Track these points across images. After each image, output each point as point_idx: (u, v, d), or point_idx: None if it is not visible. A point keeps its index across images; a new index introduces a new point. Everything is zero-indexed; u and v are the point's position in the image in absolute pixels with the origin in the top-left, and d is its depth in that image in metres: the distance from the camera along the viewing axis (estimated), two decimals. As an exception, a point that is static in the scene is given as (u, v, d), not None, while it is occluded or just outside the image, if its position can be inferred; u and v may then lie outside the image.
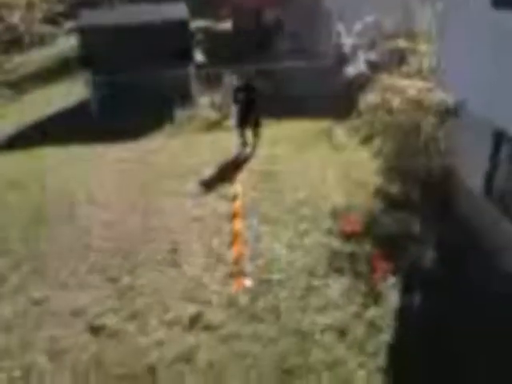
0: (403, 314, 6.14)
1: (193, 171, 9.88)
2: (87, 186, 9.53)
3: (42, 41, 20.94)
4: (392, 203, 8.40)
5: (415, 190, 8.58)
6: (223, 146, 11.18)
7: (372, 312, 6.17)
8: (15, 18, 19.19)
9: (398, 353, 5.63)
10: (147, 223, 8.19)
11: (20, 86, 16.11)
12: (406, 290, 6.47)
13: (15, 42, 19.21)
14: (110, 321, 6.16)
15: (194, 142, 11.56)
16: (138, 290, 6.68)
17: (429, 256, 7.05)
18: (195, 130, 12.50)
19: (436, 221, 7.78)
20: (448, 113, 9.01)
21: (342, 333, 5.88)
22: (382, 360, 5.53)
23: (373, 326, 5.97)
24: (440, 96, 9.03)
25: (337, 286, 6.59)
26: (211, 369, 5.48)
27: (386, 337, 5.82)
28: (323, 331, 5.90)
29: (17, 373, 5.48)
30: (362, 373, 5.41)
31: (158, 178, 9.75)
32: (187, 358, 5.62)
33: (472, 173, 7.76)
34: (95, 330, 6.02)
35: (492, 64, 6.50)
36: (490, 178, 7.31)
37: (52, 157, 11.09)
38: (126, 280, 6.87)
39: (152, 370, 5.47)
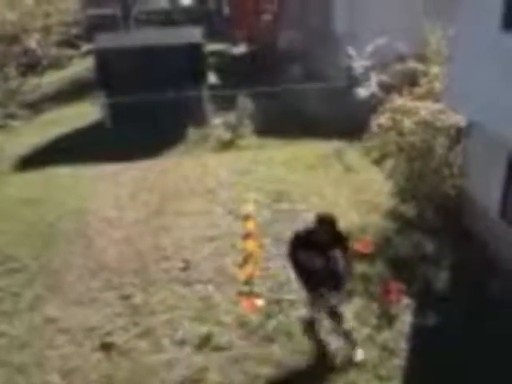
0: (417, 337, 6.05)
1: (206, 190, 9.95)
2: (100, 205, 9.64)
3: (58, 63, 21.46)
4: (405, 224, 8.36)
5: (429, 212, 8.54)
6: (237, 165, 11.26)
7: (385, 334, 6.09)
8: (32, 41, 19.70)
9: (411, 377, 5.53)
10: (160, 242, 8.23)
11: (36, 106, 16.46)
12: (420, 311, 6.38)
13: (33, 65, 19.69)
14: (121, 338, 6.15)
15: (208, 162, 11.66)
16: (149, 308, 6.68)
17: (443, 278, 6.97)
18: (209, 150, 12.64)
19: (450, 242, 7.71)
20: (460, 134, 9.00)
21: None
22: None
23: (386, 349, 5.88)
24: (452, 117, 9.04)
25: (349, 308, 6.52)
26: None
27: (399, 360, 5.73)
28: (335, 354, 5.83)
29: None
30: (375, 396, 5.32)
31: (172, 197, 9.83)
32: (197, 378, 5.58)
33: (486, 194, 7.72)
34: (106, 348, 6.02)
35: (503, 85, 6.52)
36: (505, 199, 7.25)
37: (66, 176, 11.25)
38: (138, 298, 6.89)
39: (162, 390, 5.44)
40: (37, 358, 5.94)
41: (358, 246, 7.71)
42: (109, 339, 6.15)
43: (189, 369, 5.68)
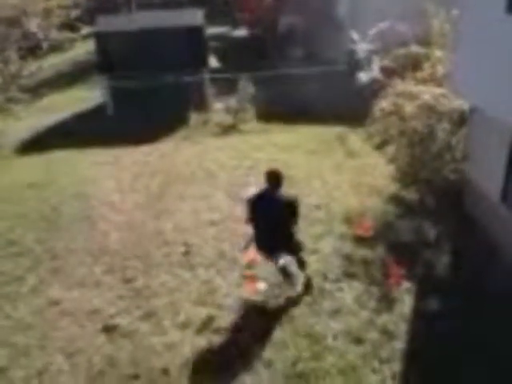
0: (417, 320, 6.11)
1: (207, 175, 9.96)
2: (103, 189, 9.66)
3: (59, 47, 21.29)
4: (406, 209, 8.39)
5: (430, 196, 8.55)
6: (238, 149, 11.25)
7: (385, 318, 6.15)
8: (33, 24, 19.51)
9: (411, 359, 5.60)
10: (161, 226, 8.27)
11: (37, 90, 16.38)
12: (421, 296, 6.44)
13: (33, 49, 19.53)
14: (124, 321, 6.22)
15: (209, 146, 11.65)
16: (151, 291, 6.74)
17: (444, 262, 7.01)
18: (210, 134, 12.62)
19: (451, 227, 7.74)
20: (462, 118, 8.97)
21: (354, 338, 5.87)
22: (395, 366, 5.51)
23: (386, 332, 5.94)
24: (454, 102, 9.00)
25: (350, 291, 6.58)
26: (223, 372, 5.50)
27: (399, 343, 5.79)
28: (336, 336, 5.90)
29: (33, 371, 5.56)
30: (375, 379, 5.39)
31: (173, 181, 9.85)
32: (199, 359, 5.65)
33: (488, 178, 7.72)
34: (109, 330, 6.09)
35: (507, 70, 6.47)
36: (506, 184, 7.25)
37: (68, 160, 11.27)
38: (140, 281, 6.95)
39: (165, 371, 5.51)
40: (40, 339, 6.02)
41: (358, 229, 7.76)
42: (112, 321, 6.22)
43: (191, 351, 5.74)
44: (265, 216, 5.97)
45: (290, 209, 6.01)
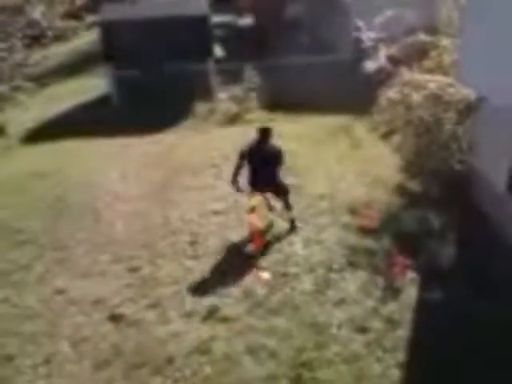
0: (421, 310, 6.12)
1: (213, 164, 9.96)
2: (108, 179, 9.69)
3: (63, 35, 21.24)
4: (411, 199, 8.36)
5: (435, 187, 8.51)
6: (243, 139, 11.18)
7: (390, 307, 6.16)
8: (37, 13, 19.46)
9: (416, 348, 5.62)
10: (167, 216, 8.29)
11: (42, 79, 16.38)
12: (425, 285, 6.44)
13: (37, 37, 19.50)
14: (130, 310, 6.27)
15: (215, 136, 11.63)
16: (157, 281, 6.78)
17: (448, 252, 7.01)
18: (215, 124, 12.58)
19: (456, 217, 7.72)
20: (469, 108, 8.90)
21: (359, 327, 5.89)
22: (399, 355, 5.53)
23: (390, 322, 5.96)
24: (461, 91, 8.92)
25: (354, 281, 6.59)
26: (227, 360, 5.54)
27: (403, 332, 5.81)
28: (340, 325, 5.92)
29: (40, 359, 5.63)
30: (379, 368, 5.42)
31: (179, 171, 9.86)
32: (204, 349, 5.69)
33: (494, 169, 7.67)
34: (115, 319, 6.14)
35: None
36: (512, 175, 7.22)
37: (74, 149, 11.29)
38: (146, 270, 6.99)
39: (170, 360, 5.56)
40: (47, 327, 6.08)
41: (363, 220, 7.75)
42: (117, 310, 6.27)
43: (196, 340, 5.79)
44: (256, 163, 7.26)
45: (277, 157, 7.29)
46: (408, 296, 6.32)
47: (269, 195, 7.74)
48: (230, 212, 8.30)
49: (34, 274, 7.04)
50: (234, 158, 10.01)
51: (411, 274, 6.64)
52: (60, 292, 6.67)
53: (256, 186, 7.38)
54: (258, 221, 7.38)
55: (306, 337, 5.77)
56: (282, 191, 7.56)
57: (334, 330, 5.85)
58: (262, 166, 7.27)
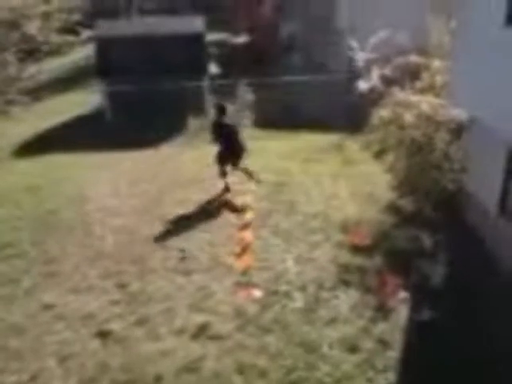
0: (412, 330, 6.08)
1: (204, 180, 9.95)
2: (99, 193, 9.63)
3: (58, 50, 21.31)
4: (403, 218, 8.38)
5: (427, 206, 8.55)
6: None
7: (381, 327, 6.12)
8: (32, 27, 19.52)
9: (407, 369, 5.57)
10: (157, 231, 8.24)
11: (36, 93, 16.38)
12: (416, 306, 6.41)
13: (32, 52, 19.54)
14: (118, 326, 6.17)
15: (207, 152, 11.62)
16: (146, 297, 6.69)
17: (440, 273, 7.00)
18: (208, 140, 12.58)
19: (448, 237, 7.73)
20: (460, 128, 9.00)
21: (350, 347, 5.83)
22: (391, 376, 5.47)
23: (382, 342, 5.91)
24: (452, 112, 9.03)
25: (346, 299, 6.55)
26: (217, 379, 5.45)
27: (394, 353, 5.76)
28: (331, 345, 5.86)
29: (25, 376, 5.50)
30: (370, 388, 5.35)
31: (170, 186, 9.84)
32: (194, 367, 5.60)
33: (486, 189, 7.73)
34: (103, 335, 6.04)
35: (504, 81, 6.50)
36: (504, 195, 7.26)
37: (66, 164, 11.24)
38: (135, 286, 6.90)
39: (159, 378, 5.46)
40: (33, 343, 5.95)
41: (355, 238, 7.75)
42: (105, 326, 6.16)
43: (185, 358, 5.69)
44: (220, 137, 9.06)
45: (233, 133, 9.08)
46: (399, 316, 6.29)
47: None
48: (220, 228, 8.25)
49: (21, 288, 6.92)
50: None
51: (403, 294, 6.62)
52: (48, 307, 6.55)
53: (225, 161, 9.09)
54: (249, 237, 7.35)
55: (297, 356, 5.70)
56: (240, 154, 9.11)
57: (325, 350, 5.79)
58: (225, 140, 9.00)
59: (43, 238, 8.12)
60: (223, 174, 9.37)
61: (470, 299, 6.52)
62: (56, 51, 21.14)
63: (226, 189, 9.38)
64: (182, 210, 8.86)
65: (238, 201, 9.07)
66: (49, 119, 14.28)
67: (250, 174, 9.45)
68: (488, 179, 7.63)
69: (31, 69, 15.49)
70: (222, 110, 9.05)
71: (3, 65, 14.11)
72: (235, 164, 9.27)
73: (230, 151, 9.11)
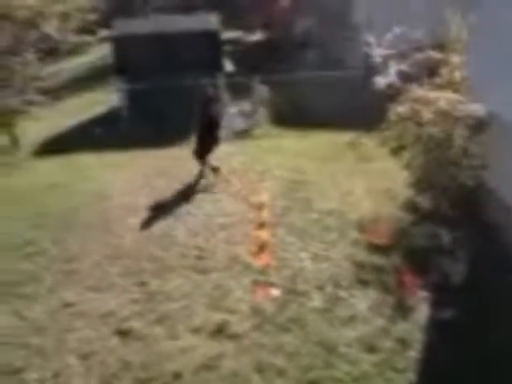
0: (433, 329, 6.03)
1: (220, 179, 9.98)
2: (119, 191, 9.74)
3: (76, 49, 21.51)
4: (421, 216, 8.30)
5: (446, 203, 8.45)
6: (250, 154, 11.24)
7: (400, 326, 6.08)
8: (50, 27, 19.71)
9: (427, 369, 5.53)
10: (175, 229, 8.29)
11: (55, 92, 16.58)
12: (436, 304, 6.36)
13: (51, 51, 19.75)
14: (138, 324, 6.25)
15: (222, 151, 11.65)
16: (165, 295, 6.76)
17: (460, 270, 6.92)
18: (224, 139, 12.60)
19: (468, 235, 7.64)
20: (480, 124, 8.86)
21: (368, 347, 5.81)
22: (411, 376, 5.44)
23: (401, 342, 5.87)
24: (472, 107, 8.89)
25: (363, 299, 6.53)
26: (236, 377, 5.48)
27: (414, 352, 5.72)
28: (349, 344, 5.85)
29: (48, 373, 5.60)
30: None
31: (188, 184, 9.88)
32: (212, 365, 5.64)
33: (507, 185, 7.61)
34: (123, 333, 6.12)
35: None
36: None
37: (85, 162, 11.38)
38: (154, 284, 6.97)
39: (177, 375, 5.52)
40: (55, 341, 6.07)
41: (372, 236, 7.70)
42: (125, 324, 6.25)
43: (204, 356, 5.74)
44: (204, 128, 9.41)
45: (214, 124, 9.44)
46: (419, 315, 6.24)
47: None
48: (236, 226, 8.28)
49: (43, 287, 7.04)
50: (241, 174, 10.16)
51: (422, 292, 6.56)
52: (69, 305, 6.66)
53: (204, 153, 9.47)
54: (266, 235, 7.37)
55: (315, 355, 5.71)
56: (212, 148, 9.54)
57: (343, 349, 5.78)
58: (209, 132, 9.36)
59: (63, 236, 8.25)
60: (203, 163, 9.77)
61: (490, 297, 6.45)
62: (74, 51, 21.36)
63: (214, 169, 9.83)
64: (198, 208, 8.89)
65: (254, 199, 9.07)
66: (68, 119, 14.45)
67: (215, 170, 9.77)
68: (510, 175, 7.51)
69: (50, 68, 15.69)
70: (209, 101, 9.46)
71: (23, 64, 14.28)
72: (202, 157, 9.60)
73: (203, 142, 9.48)
